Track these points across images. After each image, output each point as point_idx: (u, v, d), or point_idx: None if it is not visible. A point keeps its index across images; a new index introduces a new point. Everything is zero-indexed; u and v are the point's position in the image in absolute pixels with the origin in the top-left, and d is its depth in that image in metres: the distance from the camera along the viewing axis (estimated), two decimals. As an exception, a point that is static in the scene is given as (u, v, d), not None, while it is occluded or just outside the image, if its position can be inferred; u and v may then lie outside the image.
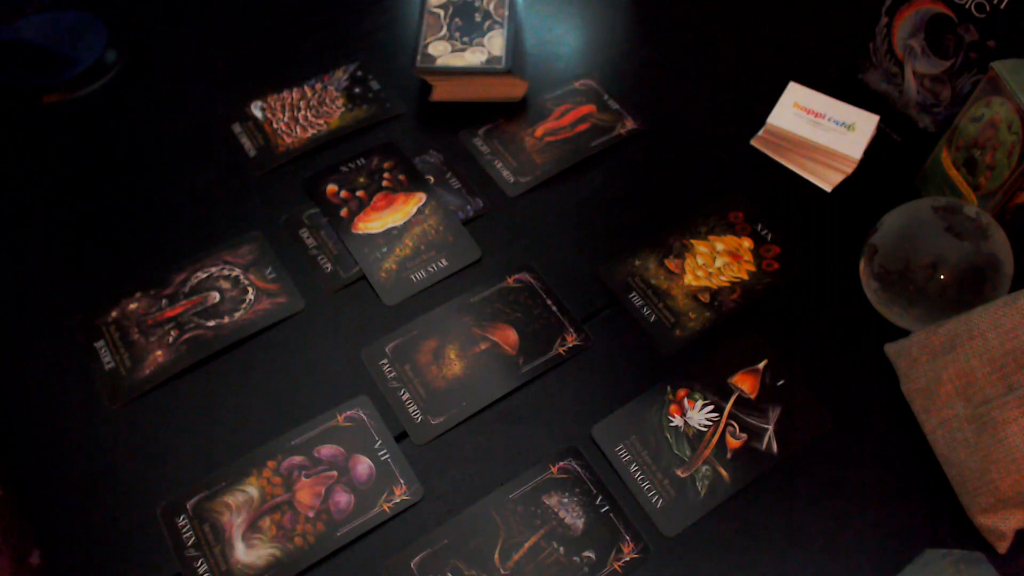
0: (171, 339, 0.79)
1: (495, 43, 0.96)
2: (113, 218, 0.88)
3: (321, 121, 0.96)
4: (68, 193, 0.90)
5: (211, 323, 0.80)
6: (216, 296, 0.82)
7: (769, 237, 0.87)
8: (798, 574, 0.68)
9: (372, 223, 0.87)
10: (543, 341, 0.79)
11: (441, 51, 0.95)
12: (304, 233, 0.87)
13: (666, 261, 0.85)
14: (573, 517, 0.70)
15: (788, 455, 0.73)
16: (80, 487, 0.71)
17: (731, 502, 0.71)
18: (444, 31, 0.97)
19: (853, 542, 0.69)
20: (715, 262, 0.85)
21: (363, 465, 0.72)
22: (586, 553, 0.68)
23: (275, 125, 0.96)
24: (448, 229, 0.87)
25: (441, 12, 0.99)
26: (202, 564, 0.67)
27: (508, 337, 0.80)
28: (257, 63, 1.02)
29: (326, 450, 0.73)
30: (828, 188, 0.92)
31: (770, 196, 0.91)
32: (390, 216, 0.88)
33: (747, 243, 0.87)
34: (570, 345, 0.79)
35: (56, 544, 0.69)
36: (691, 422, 0.75)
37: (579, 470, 0.72)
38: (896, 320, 0.78)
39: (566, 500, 0.70)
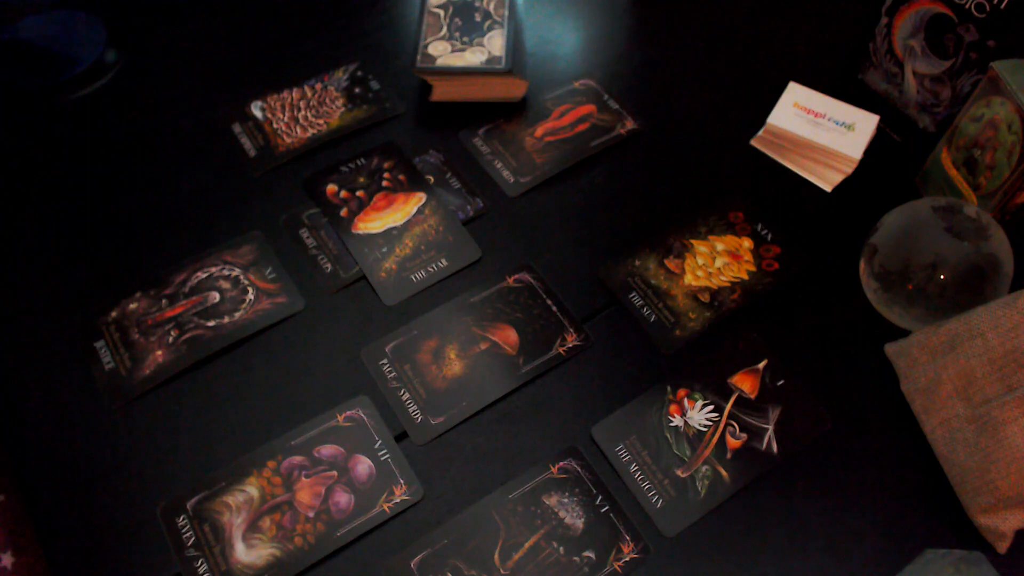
0: (171, 339, 0.79)
1: (495, 43, 0.96)
2: (113, 218, 0.88)
3: (321, 121, 0.96)
4: (68, 193, 0.90)
5: (211, 323, 0.80)
6: (216, 296, 0.82)
7: (769, 237, 0.87)
8: (798, 574, 0.68)
9: (372, 223, 0.87)
10: (543, 341, 0.79)
11: (441, 51, 0.95)
12: (304, 233, 0.87)
13: (666, 261, 0.85)
14: (573, 517, 0.70)
15: (788, 455, 0.73)
16: (80, 487, 0.71)
17: (731, 502, 0.71)
18: (444, 31, 0.97)
19: (853, 542, 0.69)
20: (715, 262, 0.85)
21: (363, 465, 0.72)
22: (586, 553, 0.68)
23: (275, 125, 0.96)
24: (448, 229, 0.87)
25: (441, 12, 0.99)
26: (202, 564, 0.67)
27: (508, 337, 0.80)
28: (257, 63, 1.02)
29: (326, 450, 0.73)
30: (828, 188, 0.92)
31: (770, 196, 0.91)
32: (390, 216, 0.88)
33: (747, 243, 0.87)
34: (570, 345, 0.79)
35: (57, 544, 0.69)
36: (691, 422, 0.75)
37: (579, 470, 0.72)
38: (896, 320, 0.78)
39: (566, 500, 0.70)
